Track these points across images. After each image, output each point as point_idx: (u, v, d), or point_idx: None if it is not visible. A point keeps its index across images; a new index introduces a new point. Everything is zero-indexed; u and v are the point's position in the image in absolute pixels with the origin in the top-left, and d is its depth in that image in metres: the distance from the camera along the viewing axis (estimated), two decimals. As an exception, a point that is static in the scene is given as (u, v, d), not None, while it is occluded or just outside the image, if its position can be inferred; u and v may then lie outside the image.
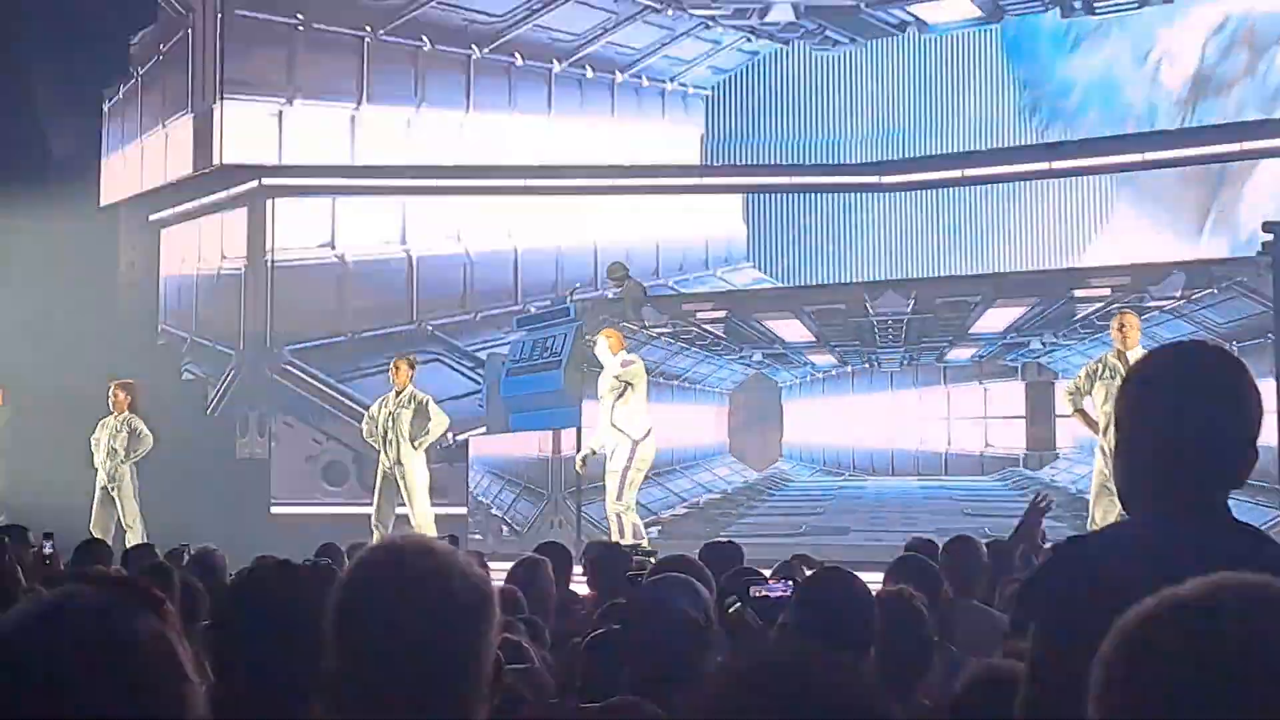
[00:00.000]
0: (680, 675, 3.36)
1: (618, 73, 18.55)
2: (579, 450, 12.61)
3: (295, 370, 16.89)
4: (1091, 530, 2.74)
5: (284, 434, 16.90)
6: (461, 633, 1.99)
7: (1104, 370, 10.89)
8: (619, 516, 11.66)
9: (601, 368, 12.20)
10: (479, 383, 16.28)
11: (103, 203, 16.40)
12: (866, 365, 16.34)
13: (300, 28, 16.91)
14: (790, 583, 4.46)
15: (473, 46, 17.47)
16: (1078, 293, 14.42)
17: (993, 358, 15.94)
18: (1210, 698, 1.32)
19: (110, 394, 13.56)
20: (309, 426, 16.85)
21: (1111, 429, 11.31)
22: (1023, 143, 17.11)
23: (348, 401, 16.47)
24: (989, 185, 17.15)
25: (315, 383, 16.82)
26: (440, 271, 17.42)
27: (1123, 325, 10.90)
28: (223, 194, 16.49)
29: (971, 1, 17.20)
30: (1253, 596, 1.40)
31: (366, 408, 13.67)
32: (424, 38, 17.30)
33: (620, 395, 11.92)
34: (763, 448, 16.37)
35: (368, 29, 17.05)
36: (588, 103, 18.37)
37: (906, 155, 17.88)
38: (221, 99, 16.56)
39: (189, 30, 17.09)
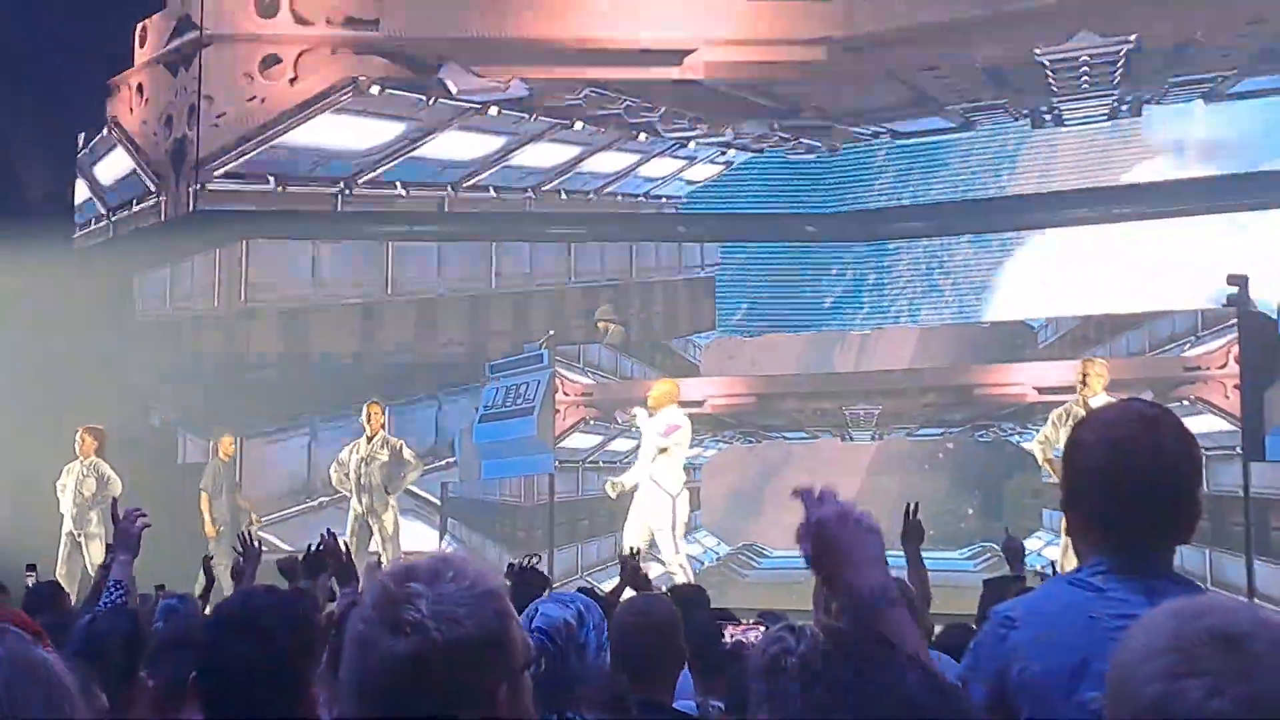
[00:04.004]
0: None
1: (591, 195, 18.71)
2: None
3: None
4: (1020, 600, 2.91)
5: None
6: None
7: (1067, 418, 10.89)
8: (682, 567, 12.16)
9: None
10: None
11: (76, 245, 16.13)
12: (838, 438, 16.31)
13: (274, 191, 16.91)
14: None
15: (448, 188, 17.61)
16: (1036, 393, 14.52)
17: (963, 434, 15.95)
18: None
19: (78, 438, 13.30)
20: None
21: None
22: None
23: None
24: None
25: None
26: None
27: (1085, 374, 10.97)
28: (197, 241, 16.20)
29: (940, 115, 17.47)
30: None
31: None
32: (397, 184, 17.44)
33: (664, 450, 12.31)
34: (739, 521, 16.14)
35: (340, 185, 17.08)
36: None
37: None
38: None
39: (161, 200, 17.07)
